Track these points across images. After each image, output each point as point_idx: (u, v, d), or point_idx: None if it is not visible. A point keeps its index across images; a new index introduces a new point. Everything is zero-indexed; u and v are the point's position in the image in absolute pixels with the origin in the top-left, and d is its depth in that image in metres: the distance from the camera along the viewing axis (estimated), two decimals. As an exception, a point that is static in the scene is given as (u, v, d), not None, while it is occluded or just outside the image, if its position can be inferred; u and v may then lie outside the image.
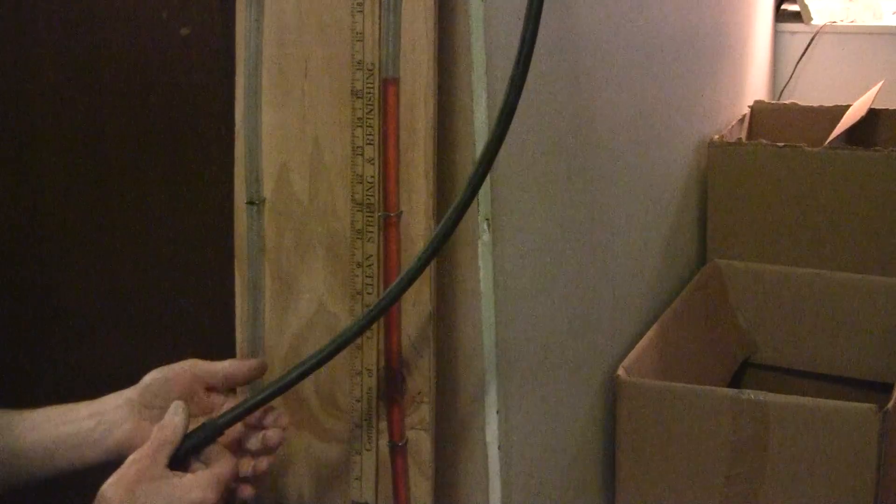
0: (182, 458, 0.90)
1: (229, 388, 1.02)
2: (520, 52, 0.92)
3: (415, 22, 1.03)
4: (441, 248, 0.97)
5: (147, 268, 1.32)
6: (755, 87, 2.26)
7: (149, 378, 0.99)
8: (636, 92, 1.57)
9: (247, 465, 0.97)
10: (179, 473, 0.87)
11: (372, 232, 1.07)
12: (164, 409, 0.93)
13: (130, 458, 0.87)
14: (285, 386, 0.95)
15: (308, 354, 0.97)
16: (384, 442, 1.10)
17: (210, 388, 1.00)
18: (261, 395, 0.94)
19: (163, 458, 0.87)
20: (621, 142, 1.54)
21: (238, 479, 0.93)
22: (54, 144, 1.31)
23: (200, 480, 0.86)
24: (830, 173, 1.80)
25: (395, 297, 0.98)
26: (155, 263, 1.31)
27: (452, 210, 0.95)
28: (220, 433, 0.93)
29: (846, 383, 1.85)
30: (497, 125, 0.93)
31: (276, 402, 0.99)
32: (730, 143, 1.89)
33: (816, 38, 2.36)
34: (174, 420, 0.90)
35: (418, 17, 1.03)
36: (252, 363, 1.02)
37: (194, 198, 1.26)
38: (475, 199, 0.99)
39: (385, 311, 1.01)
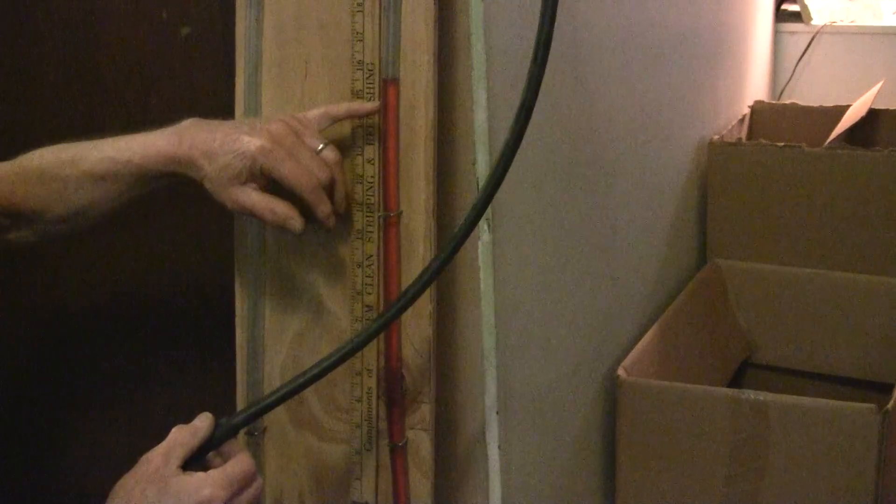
0: (196, 457, 0.89)
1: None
2: (536, 48, 0.92)
3: (415, 22, 1.03)
4: (463, 243, 0.97)
5: (147, 268, 1.32)
6: (755, 87, 2.26)
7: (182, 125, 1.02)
8: (636, 92, 1.57)
9: None
10: (191, 472, 0.87)
11: (372, 232, 1.07)
12: None
13: (144, 457, 0.87)
14: (295, 390, 0.94)
15: (311, 356, 0.96)
16: (384, 442, 1.10)
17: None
18: (271, 399, 0.93)
19: (176, 459, 0.87)
20: (621, 142, 1.54)
21: (255, 480, 0.92)
22: (54, 144, 1.30)
23: (211, 478, 0.86)
24: (830, 173, 1.81)
25: (413, 298, 0.96)
26: (155, 263, 1.31)
27: (473, 207, 0.94)
28: (235, 434, 0.92)
29: (846, 383, 1.85)
30: (515, 123, 0.93)
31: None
32: (730, 143, 1.89)
33: (816, 38, 2.36)
34: (196, 424, 0.90)
35: (418, 17, 1.03)
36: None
37: (195, 198, 1.26)
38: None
39: (395, 319, 1.00)
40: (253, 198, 0.98)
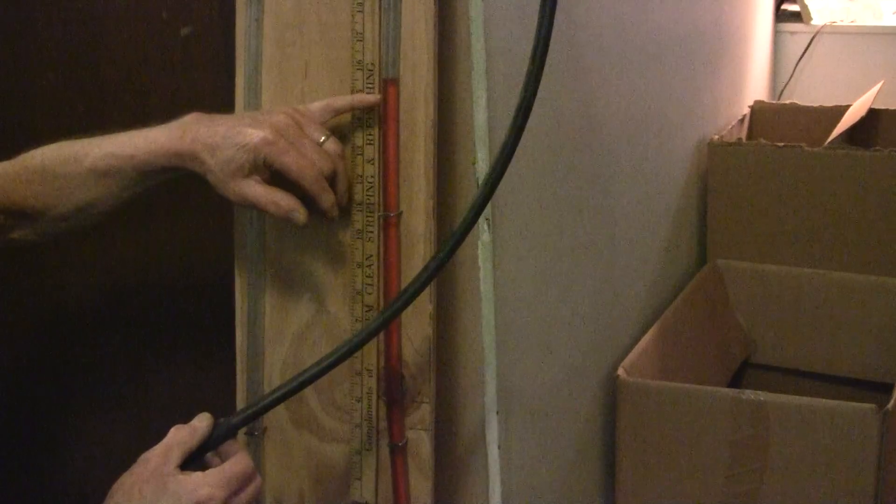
0: (194, 457, 0.89)
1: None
2: (535, 48, 0.92)
3: (415, 22, 1.03)
4: (460, 244, 0.97)
5: (147, 268, 1.32)
6: (755, 87, 2.26)
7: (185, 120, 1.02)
8: (637, 92, 1.57)
9: None
10: (189, 472, 0.87)
11: (372, 232, 1.07)
12: None
13: (142, 456, 0.87)
14: (294, 389, 0.94)
15: (311, 356, 0.96)
16: (384, 442, 1.10)
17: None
18: (270, 398, 0.93)
19: (174, 459, 0.87)
20: (622, 142, 1.54)
21: (254, 479, 0.92)
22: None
23: (209, 478, 0.86)
24: (830, 173, 1.81)
25: (410, 299, 0.97)
26: (155, 263, 1.31)
27: (472, 206, 0.95)
28: (234, 434, 0.92)
29: (846, 383, 1.85)
30: (514, 123, 0.93)
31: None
32: (730, 143, 1.89)
33: (816, 38, 2.36)
34: (194, 424, 0.90)
35: (418, 17, 1.03)
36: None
37: (194, 197, 1.26)
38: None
39: (395, 317, 1.01)
40: (256, 190, 0.98)
